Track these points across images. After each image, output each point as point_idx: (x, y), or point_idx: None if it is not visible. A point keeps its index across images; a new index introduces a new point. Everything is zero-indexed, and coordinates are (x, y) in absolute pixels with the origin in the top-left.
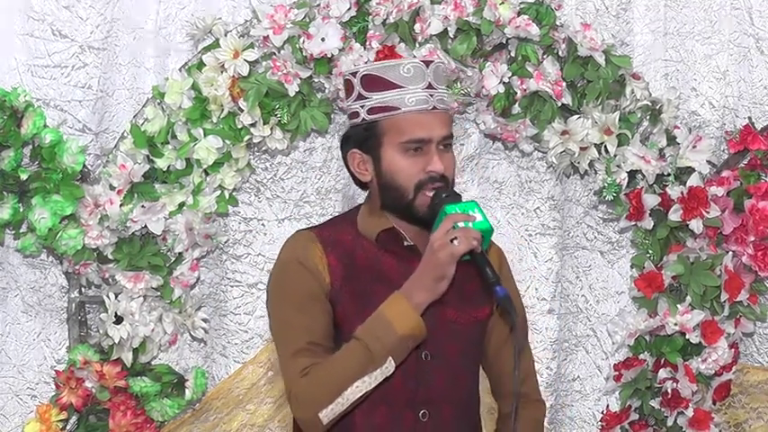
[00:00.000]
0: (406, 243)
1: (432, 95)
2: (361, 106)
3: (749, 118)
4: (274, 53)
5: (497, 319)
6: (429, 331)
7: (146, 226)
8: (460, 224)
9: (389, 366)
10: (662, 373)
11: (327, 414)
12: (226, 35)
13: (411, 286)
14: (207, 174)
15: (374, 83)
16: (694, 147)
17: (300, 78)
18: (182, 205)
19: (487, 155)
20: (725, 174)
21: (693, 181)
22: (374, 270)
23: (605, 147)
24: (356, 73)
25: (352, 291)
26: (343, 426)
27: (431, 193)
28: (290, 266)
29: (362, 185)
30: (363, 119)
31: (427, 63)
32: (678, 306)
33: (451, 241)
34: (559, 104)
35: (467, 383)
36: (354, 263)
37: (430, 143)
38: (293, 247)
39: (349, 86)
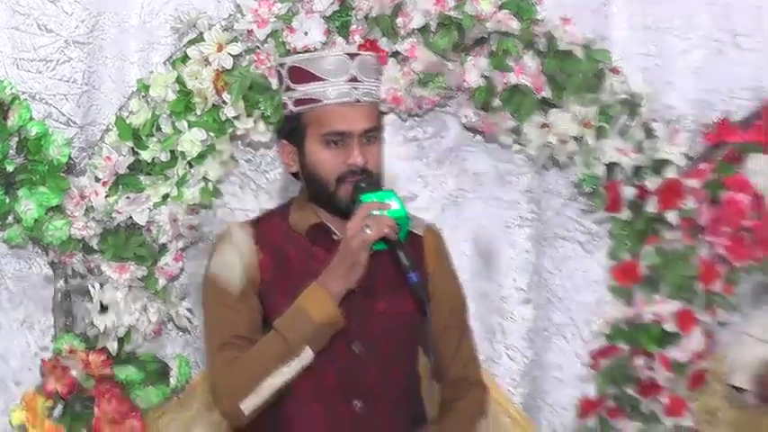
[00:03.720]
0: (335, 237)
1: (356, 88)
2: (289, 97)
3: (725, 112)
4: (258, 47)
5: (436, 307)
6: (360, 324)
7: (131, 217)
8: (375, 212)
9: (307, 355)
10: (638, 361)
11: (248, 405)
12: (210, 29)
13: (327, 276)
14: (191, 166)
15: (300, 74)
16: (671, 140)
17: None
18: (166, 197)
19: (467, 147)
20: (701, 166)
21: (670, 173)
22: (305, 265)
23: (584, 139)
24: (284, 64)
25: (283, 286)
26: (280, 421)
27: (351, 186)
28: (219, 260)
29: (296, 176)
30: (290, 110)
31: (352, 56)
32: (654, 296)
33: (364, 229)
34: (539, 98)
35: (402, 374)
36: (286, 258)
37: (351, 136)
38: (225, 239)
39: (279, 77)
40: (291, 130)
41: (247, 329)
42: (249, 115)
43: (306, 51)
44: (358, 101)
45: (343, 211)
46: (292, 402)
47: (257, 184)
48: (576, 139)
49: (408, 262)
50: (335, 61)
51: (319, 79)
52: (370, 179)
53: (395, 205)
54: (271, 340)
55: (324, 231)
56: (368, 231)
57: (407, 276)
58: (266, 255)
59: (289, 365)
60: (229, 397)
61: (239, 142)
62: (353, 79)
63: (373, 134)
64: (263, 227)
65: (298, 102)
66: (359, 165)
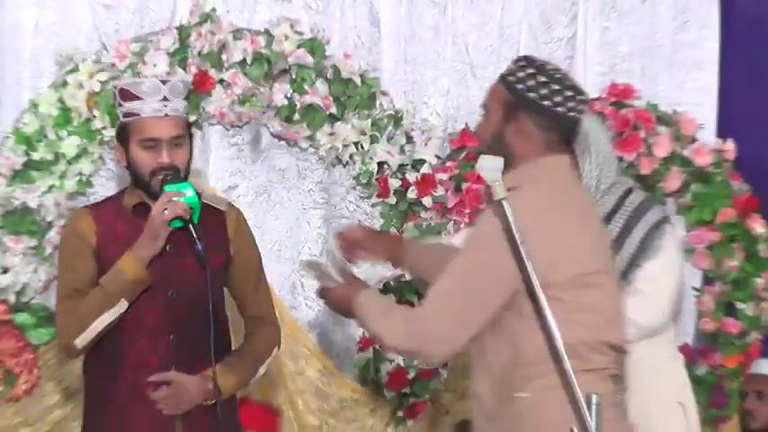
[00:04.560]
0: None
1: (165, 105)
2: (120, 111)
3: (466, 123)
4: (119, 75)
5: (237, 261)
6: (174, 276)
7: (25, 202)
8: (174, 199)
9: (123, 305)
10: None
11: (80, 341)
12: (83, 62)
13: (137, 245)
14: (70, 164)
15: (126, 94)
16: (425, 144)
17: None
18: (51, 187)
19: (274, 149)
20: (448, 164)
21: (425, 169)
22: (131, 233)
23: (361, 144)
24: (116, 86)
25: (114, 250)
26: (114, 353)
27: (160, 177)
28: (64, 236)
29: (128, 169)
30: (121, 120)
31: (164, 82)
32: None
33: (164, 211)
34: (328, 113)
35: (207, 313)
36: (115, 229)
37: (161, 141)
38: (71, 220)
39: (114, 96)
40: (121, 135)
41: (83, 284)
42: (113, 126)
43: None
44: (167, 115)
45: (156, 195)
46: (124, 337)
47: (120, 179)
48: (355, 144)
49: (196, 235)
50: (151, 85)
51: (139, 98)
52: (176, 173)
53: (189, 193)
54: (96, 293)
55: (145, 209)
56: (166, 213)
57: (194, 245)
58: (101, 227)
59: (109, 312)
60: (65, 335)
61: (107, 146)
62: (164, 99)
63: (179, 140)
64: (101, 207)
65: (125, 115)
66: (166, 163)
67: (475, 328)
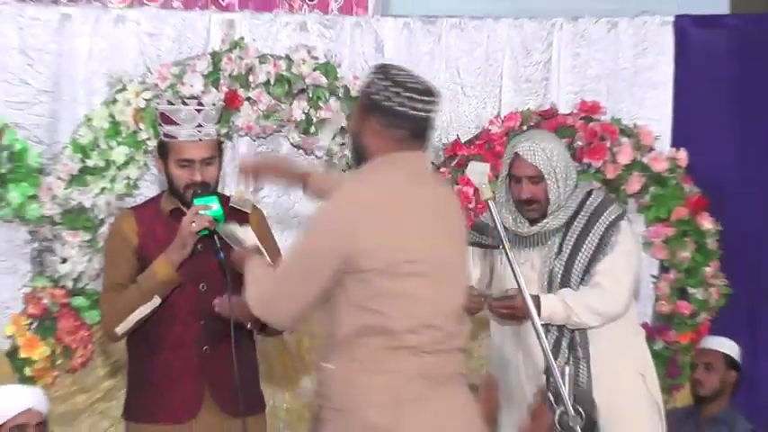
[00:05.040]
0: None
1: (200, 131)
2: (160, 130)
3: (457, 135)
4: (161, 93)
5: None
6: (204, 272)
7: (80, 202)
8: (201, 212)
9: (156, 300)
10: None
11: (120, 329)
12: (130, 82)
13: (170, 249)
14: (119, 170)
15: (165, 118)
16: None
17: None
18: (103, 189)
19: (294, 157)
20: (442, 169)
21: None
22: (168, 235)
23: None
24: (158, 109)
25: (153, 249)
26: (152, 338)
27: (191, 191)
28: (110, 234)
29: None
30: (161, 138)
31: (199, 110)
32: None
33: (191, 223)
34: (340, 127)
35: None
36: (155, 230)
37: (194, 162)
38: (116, 222)
39: (156, 117)
40: (161, 150)
41: (124, 278)
42: (156, 137)
43: (171, 104)
44: (200, 140)
45: (189, 204)
46: (161, 324)
47: (162, 182)
48: None
49: (219, 245)
50: (187, 114)
51: (176, 124)
52: (206, 188)
53: (215, 207)
54: (134, 289)
55: (179, 214)
56: (193, 225)
57: (217, 253)
58: (142, 228)
59: (144, 306)
60: (108, 323)
61: (150, 155)
62: (199, 125)
63: (210, 160)
64: (143, 209)
65: (164, 135)
66: (197, 180)
67: (306, 301)
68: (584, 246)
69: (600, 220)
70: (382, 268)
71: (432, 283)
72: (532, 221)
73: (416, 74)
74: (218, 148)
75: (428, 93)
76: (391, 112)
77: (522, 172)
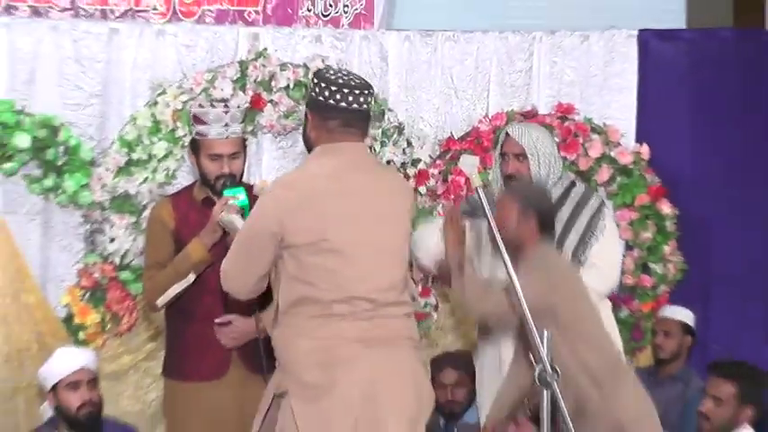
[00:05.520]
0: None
1: (227, 130)
2: (193, 129)
3: (451, 132)
4: (196, 96)
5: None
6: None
7: (126, 190)
8: (230, 201)
9: (191, 277)
10: None
11: (160, 302)
12: (169, 87)
13: (203, 233)
14: (159, 162)
15: (197, 119)
16: (421, 148)
17: None
18: (146, 179)
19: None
20: (438, 162)
21: (421, 166)
22: (200, 220)
23: (374, 147)
24: (190, 111)
25: (187, 232)
26: (186, 309)
27: (221, 182)
28: (150, 218)
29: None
30: (193, 136)
31: (226, 112)
32: None
33: (221, 211)
34: None
35: None
36: (189, 217)
37: (223, 156)
38: (155, 208)
39: (189, 118)
40: (193, 146)
41: (163, 258)
42: (191, 134)
43: (202, 107)
44: (227, 137)
45: (219, 193)
46: (193, 297)
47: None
48: (369, 147)
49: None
50: (215, 115)
51: (206, 123)
52: (233, 180)
53: (241, 197)
54: (171, 268)
55: (210, 202)
56: (223, 213)
57: None
58: (178, 214)
59: (180, 282)
60: (149, 297)
61: (186, 149)
62: (226, 125)
63: (236, 154)
64: (178, 197)
65: (196, 133)
66: (226, 173)
67: (255, 275)
68: (572, 231)
69: (586, 208)
70: (307, 245)
71: (353, 261)
72: None
73: (353, 73)
74: (242, 144)
75: (358, 88)
76: (324, 106)
77: (510, 149)
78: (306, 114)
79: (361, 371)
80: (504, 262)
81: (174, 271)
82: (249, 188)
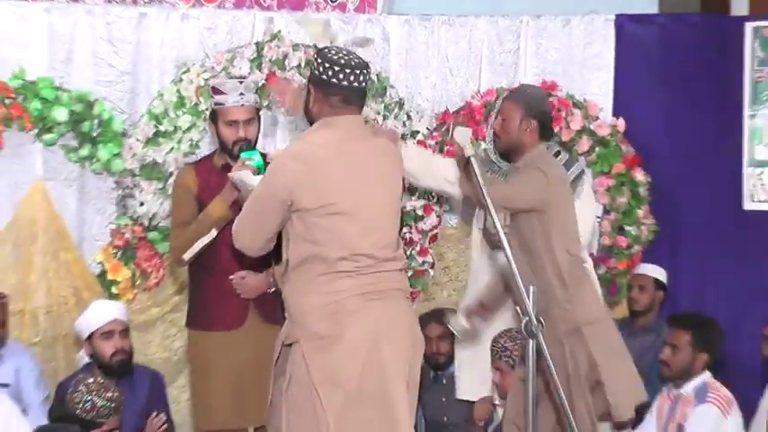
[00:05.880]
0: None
1: (242, 98)
2: (212, 100)
3: (446, 107)
4: (217, 74)
5: None
6: None
7: (154, 159)
8: (247, 162)
9: (213, 233)
10: (405, 229)
11: (186, 256)
12: (193, 66)
13: (223, 193)
14: (184, 133)
15: (215, 90)
16: (420, 121)
17: None
18: (172, 149)
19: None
20: (435, 133)
21: (419, 137)
22: (220, 184)
23: (377, 120)
24: (208, 84)
25: (208, 195)
26: (207, 263)
27: (238, 146)
28: (175, 184)
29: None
30: (212, 107)
31: (240, 82)
32: (412, 197)
33: (238, 171)
34: None
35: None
36: (210, 181)
37: (239, 122)
38: (179, 174)
39: (208, 90)
40: (212, 116)
41: (188, 218)
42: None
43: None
44: (243, 105)
45: (236, 159)
46: (214, 252)
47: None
48: (374, 120)
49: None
50: (231, 85)
51: (224, 93)
52: (248, 143)
53: (257, 158)
54: (196, 225)
55: (228, 167)
56: (234, 172)
57: None
58: (199, 179)
59: (203, 238)
60: (176, 252)
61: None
62: (241, 94)
63: (251, 121)
64: (200, 164)
65: (215, 103)
66: (242, 137)
67: (263, 234)
68: None
69: (568, 173)
70: (314, 209)
71: (357, 221)
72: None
73: (353, 53)
74: (256, 113)
75: (357, 67)
76: (326, 83)
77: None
78: (309, 90)
79: (365, 322)
80: (495, 222)
81: (198, 228)
82: (264, 155)
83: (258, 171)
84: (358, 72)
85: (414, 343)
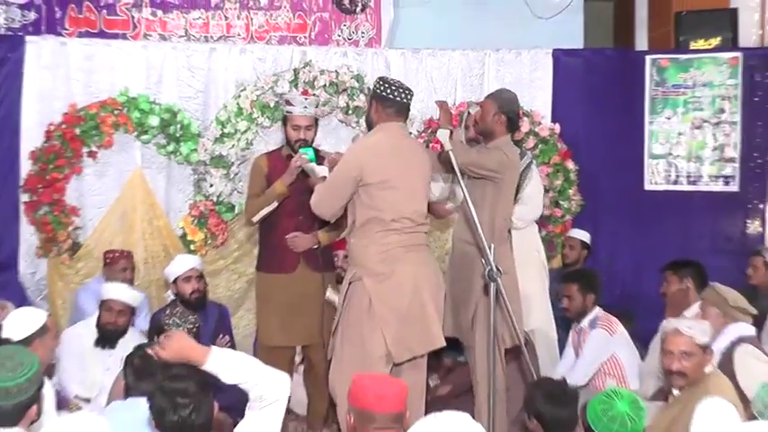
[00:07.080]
0: None
1: (306, 109)
2: (284, 109)
3: (431, 116)
4: (265, 92)
5: None
6: (301, 190)
7: (221, 152)
8: (303, 156)
9: (274, 204)
10: None
11: (255, 219)
12: (248, 86)
13: (284, 176)
14: (241, 134)
15: (287, 102)
16: (412, 125)
17: (275, 102)
18: (233, 145)
19: (340, 128)
20: (422, 135)
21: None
22: (285, 168)
23: None
24: (284, 97)
25: (275, 176)
26: (270, 225)
27: (298, 144)
28: (253, 166)
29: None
30: (283, 114)
31: (306, 98)
32: None
33: (297, 161)
34: (365, 110)
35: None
36: (277, 166)
37: (301, 127)
38: (256, 159)
39: (282, 102)
40: (283, 121)
41: (259, 191)
42: (262, 115)
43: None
44: (305, 115)
45: (296, 152)
46: (275, 217)
47: (267, 143)
48: None
49: (314, 175)
50: (299, 99)
51: (293, 105)
52: (305, 143)
53: (310, 153)
54: (263, 197)
55: (291, 158)
56: (297, 162)
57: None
58: (270, 164)
59: (268, 207)
60: (248, 215)
61: (260, 126)
62: (305, 107)
63: (310, 127)
64: (271, 154)
65: (286, 111)
66: (302, 138)
67: (339, 203)
68: None
69: (521, 162)
70: (376, 183)
71: (402, 194)
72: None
73: (400, 81)
74: (315, 121)
75: (406, 90)
76: (385, 99)
77: (472, 121)
78: (371, 103)
79: (408, 265)
80: (468, 205)
81: (265, 199)
82: (317, 151)
83: (310, 161)
84: (405, 93)
85: (439, 283)
